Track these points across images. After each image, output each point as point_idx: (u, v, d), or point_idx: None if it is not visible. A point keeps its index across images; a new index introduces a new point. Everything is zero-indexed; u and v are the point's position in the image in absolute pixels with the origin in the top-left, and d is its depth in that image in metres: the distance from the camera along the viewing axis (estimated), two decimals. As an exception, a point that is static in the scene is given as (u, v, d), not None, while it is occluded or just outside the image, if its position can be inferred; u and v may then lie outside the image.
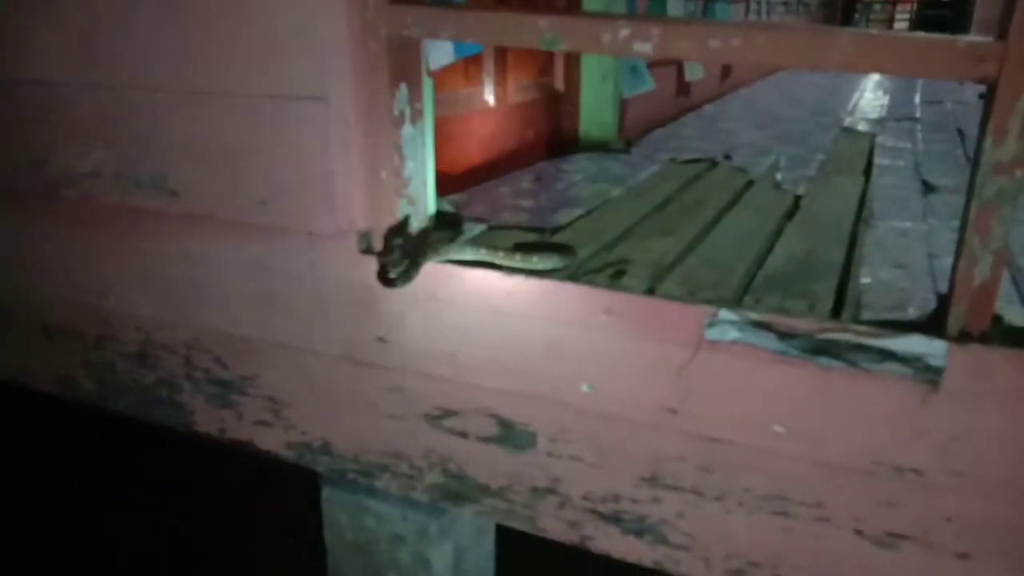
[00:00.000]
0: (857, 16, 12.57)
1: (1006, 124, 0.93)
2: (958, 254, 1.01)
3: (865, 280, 1.29)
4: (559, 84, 2.33)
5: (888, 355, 1.03)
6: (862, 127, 2.99)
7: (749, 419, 1.13)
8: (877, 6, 14.85)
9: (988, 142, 0.95)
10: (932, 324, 1.05)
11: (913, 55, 0.98)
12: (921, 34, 1.03)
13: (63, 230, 1.61)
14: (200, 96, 1.35)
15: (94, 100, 1.46)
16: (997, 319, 1.04)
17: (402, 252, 1.24)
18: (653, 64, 2.57)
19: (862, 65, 0.97)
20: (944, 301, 1.06)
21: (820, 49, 0.98)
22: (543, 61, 2.22)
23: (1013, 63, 0.90)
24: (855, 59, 0.97)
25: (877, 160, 2.31)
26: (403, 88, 1.22)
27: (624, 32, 1.03)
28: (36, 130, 1.55)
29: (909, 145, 2.57)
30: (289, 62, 1.24)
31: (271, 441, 1.51)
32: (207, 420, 1.57)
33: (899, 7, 14.61)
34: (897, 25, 14.26)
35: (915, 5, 13.73)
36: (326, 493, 1.51)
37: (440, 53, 1.31)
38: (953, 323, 1.01)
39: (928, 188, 1.92)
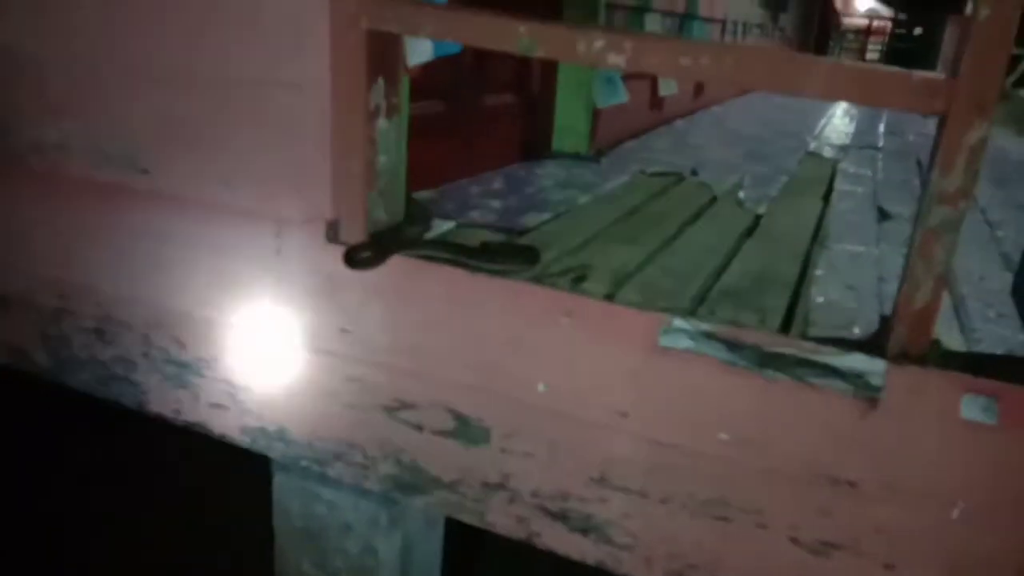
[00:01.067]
0: (831, 43, 12.82)
1: (953, 157, 0.98)
2: (902, 278, 1.06)
3: (816, 299, 1.34)
4: (535, 90, 2.36)
5: (831, 371, 1.08)
6: (826, 152, 3.07)
7: (697, 425, 1.16)
8: (851, 35, 15.19)
9: (936, 173, 1.00)
10: (874, 344, 1.10)
11: (870, 85, 1.02)
12: (880, 66, 1.08)
13: (26, 200, 1.60)
14: (177, 76, 1.35)
15: (68, 73, 1.46)
16: (935, 342, 1.09)
17: (371, 241, 1.26)
18: (628, 77, 2.61)
19: (820, 91, 1.02)
20: (887, 322, 1.11)
21: (782, 73, 1.03)
22: (520, 66, 2.24)
23: (962, 100, 0.95)
24: (814, 85, 1.01)
25: (837, 185, 2.38)
26: (380, 82, 1.24)
27: (599, 43, 1.06)
28: (4, 96, 1.54)
29: (869, 172, 2.65)
30: (269, 48, 1.25)
31: (226, 424, 1.51)
32: (162, 400, 1.57)
33: (871, 38, 14.96)
34: (869, 55, 14.60)
35: (887, 37, 14.07)
36: (278, 479, 1.51)
37: (419, 51, 1.33)
38: (894, 344, 1.06)
39: (883, 215, 1.99)
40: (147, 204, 1.45)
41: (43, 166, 1.53)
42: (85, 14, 1.40)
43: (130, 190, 1.46)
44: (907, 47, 12.12)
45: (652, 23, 2.89)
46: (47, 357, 1.69)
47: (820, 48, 10.88)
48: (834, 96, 1.05)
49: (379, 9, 1.17)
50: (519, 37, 1.10)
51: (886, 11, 14.47)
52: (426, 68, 1.44)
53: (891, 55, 12.85)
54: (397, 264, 1.27)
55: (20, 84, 1.51)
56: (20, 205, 1.60)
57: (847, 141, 3.47)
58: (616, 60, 1.07)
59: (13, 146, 1.55)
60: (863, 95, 1.07)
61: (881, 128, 3.94)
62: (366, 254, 1.24)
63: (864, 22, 15.23)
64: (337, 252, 1.28)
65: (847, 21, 15.09)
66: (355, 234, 1.29)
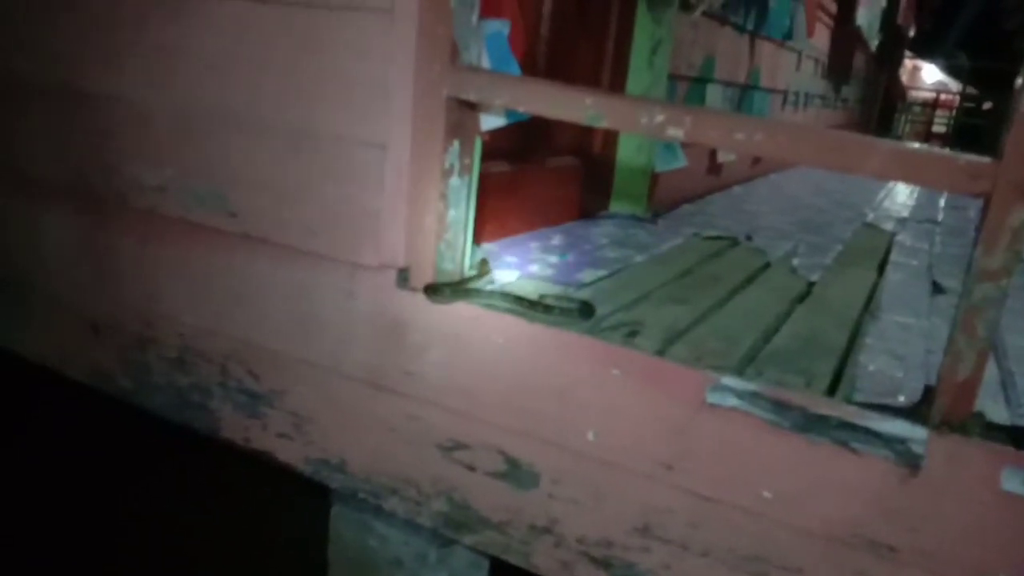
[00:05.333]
0: (897, 116, 12.72)
1: (996, 237, 1.03)
2: (946, 350, 1.10)
3: (863, 366, 1.37)
4: (596, 153, 2.46)
5: (873, 436, 1.11)
6: (884, 224, 3.09)
7: (740, 481, 1.20)
8: (917, 108, 15.05)
9: (979, 251, 1.04)
10: (917, 412, 1.14)
11: (918, 167, 1.08)
12: (928, 148, 1.14)
13: (123, 235, 1.74)
14: (270, 129, 1.48)
15: (171, 122, 1.61)
16: (978, 414, 1.12)
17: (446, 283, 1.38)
18: (687, 143, 2.69)
19: (870, 171, 1.08)
20: (930, 392, 1.15)
21: (832, 153, 1.09)
22: (583, 131, 2.34)
23: (1005, 183, 1.01)
24: (864, 165, 1.08)
25: (893, 257, 2.40)
26: (456, 144, 1.34)
27: (660, 117, 1.15)
28: (112, 141, 1.70)
29: (926, 246, 2.66)
30: (357, 110, 1.38)
31: (291, 454, 1.60)
32: (233, 428, 1.67)
33: (939, 111, 14.79)
34: (935, 129, 14.41)
35: (954, 111, 13.90)
36: (335, 510, 1.59)
37: (493, 118, 1.44)
38: (936, 413, 1.09)
39: (937, 289, 2.01)
40: (232, 244, 1.58)
41: (141, 205, 1.68)
42: (192, 70, 1.55)
43: (218, 230, 1.59)
44: (974, 123, 11.94)
45: (713, 93, 2.98)
46: (129, 381, 1.82)
47: (885, 120, 10.82)
48: (883, 176, 1.11)
49: (459, 79, 1.28)
50: (586, 109, 1.19)
51: (954, 84, 14.36)
52: (497, 132, 1.55)
53: (959, 130, 12.65)
54: (459, 311, 1.36)
55: (128, 131, 1.67)
56: (118, 239, 1.75)
57: (906, 214, 3.47)
58: (675, 133, 1.15)
59: (116, 186, 1.71)
60: (911, 176, 1.13)
61: (942, 203, 3.93)
62: (444, 291, 1.34)
63: (931, 95, 15.10)
64: (405, 297, 1.38)
65: (913, 94, 14.99)
66: (423, 281, 1.38)
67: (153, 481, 2.21)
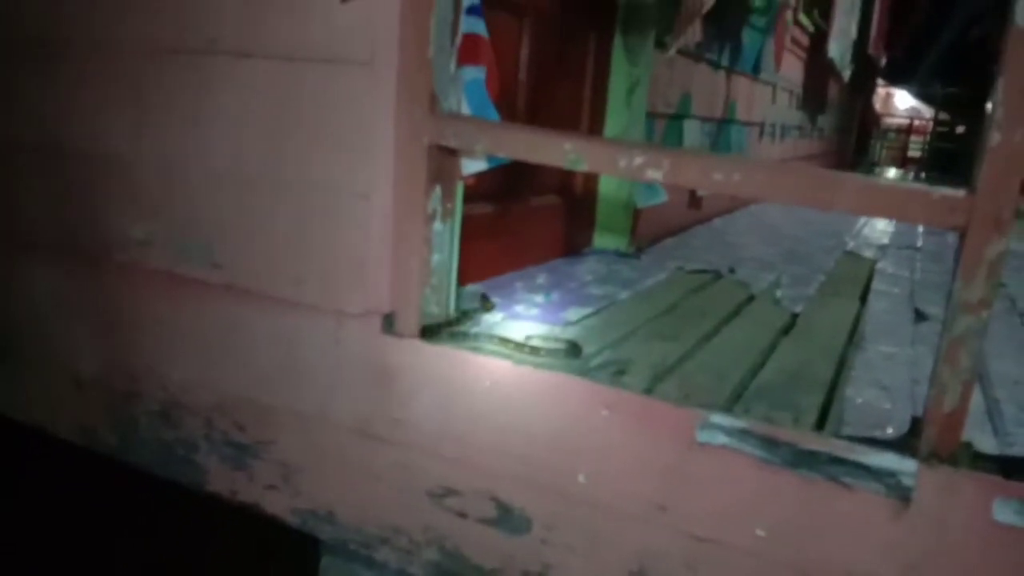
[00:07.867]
0: (872, 143, 12.93)
1: (974, 269, 1.04)
2: (931, 382, 1.10)
3: (850, 399, 1.38)
4: (578, 191, 2.48)
5: (863, 470, 1.11)
6: (865, 252, 3.12)
7: (733, 520, 1.20)
8: (891, 134, 15.31)
9: (958, 283, 1.06)
10: (906, 444, 1.14)
11: (894, 202, 1.10)
12: (902, 183, 1.16)
13: (107, 289, 1.73)
14: (254, 182, 1.49)
15: (157, 176, 1.61)
16: (966, 444, 1.13)
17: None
18: (668, 178, 2.72)
19: (847, 207, 1.09)
20: (918, 424, 1.15)
21: (810, 191, 1.11)
22: (564, 170, 2.36)
23: (980, 216, 1.02)
24: (842, 202, 1.09)
25: (875, 285, 2.42)
26: (438, 189, 1.35)
27: (639, 160, 1.16)
28: (97, 195, 1.70)
29: (907, 273, 2.68)
30: (341, 160, 1.39)
31: (278, 506, 1.58)
32: (219, 480, 1.65)
33: (913, 137, 15.05)
34: (910, 154, 14.66)
35: (929, 136, 14.16)
36: (325, 561, 1.56)
37: (474, 162, 1.46)
38: (924, 445, 1.10)
39: (920, 316, 2.03)
40: (217, 295, 1.57)
41: (125, 259, 1.67)
42: (178, 126, 1.56)
43: (203, 282, 1.59)
44: (948, 147, 12.16)
45: (691, 129, 3.02)
46: (114, 437, 1.79)
47: (860, 148, 10.98)
48: (861, 212, 1.13)
49: (439, 126, 1.30)
50: (566, 153, 1.21)
51: (927, 110, 14.64)
52: (479, 173, 1.56)
53: (933, 154, 12.87)
54: (446, 355, 1.36)
55: (115, 187, 1.67)
56: (101, 293, 1.74)
57: (886, 241, 3.51)
58: (655, 175, 1.17)
59: (100, 241, 1.70)
60: (889, 211, 1.15)
61: (920, 229, 3.98)
62: (442, 333, 1.37)
63: (905, 121, 15.38)
64: (392, 343, 1.37)
65: (887, 120, 15.27)
66: (409, 326, 1.38)
67: (142, 534, 2.16)
